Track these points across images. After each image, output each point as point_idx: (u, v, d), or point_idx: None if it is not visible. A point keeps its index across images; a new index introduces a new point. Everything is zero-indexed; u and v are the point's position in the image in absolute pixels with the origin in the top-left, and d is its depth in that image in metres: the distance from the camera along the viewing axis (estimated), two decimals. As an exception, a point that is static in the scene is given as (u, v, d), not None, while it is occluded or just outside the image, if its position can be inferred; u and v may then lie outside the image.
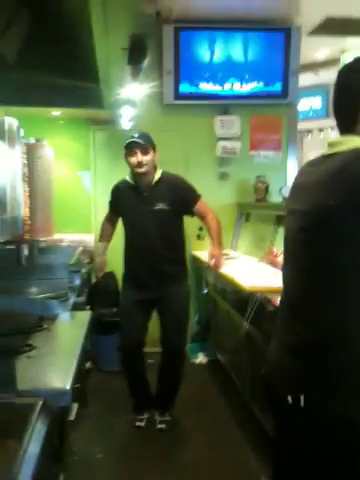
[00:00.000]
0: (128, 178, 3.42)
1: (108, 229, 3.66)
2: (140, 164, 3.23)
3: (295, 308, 1.45)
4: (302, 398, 1.33)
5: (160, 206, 3.28)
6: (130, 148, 3.24)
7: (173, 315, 3.37)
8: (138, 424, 3.44)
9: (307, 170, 1.50)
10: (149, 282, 3.35)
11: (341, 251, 1.29)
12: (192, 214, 3.42)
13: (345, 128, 1.41)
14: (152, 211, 3.28)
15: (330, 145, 1.41)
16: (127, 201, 3.43)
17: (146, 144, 3.24)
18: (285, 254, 1.57)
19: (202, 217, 3.43)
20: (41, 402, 1.30)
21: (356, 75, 1.39)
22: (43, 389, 1.35)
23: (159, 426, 3.42)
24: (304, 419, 1.35)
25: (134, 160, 3.24)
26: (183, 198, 3.33)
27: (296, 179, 1.57)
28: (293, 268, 1.48)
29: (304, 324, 1.39)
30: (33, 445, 1.16)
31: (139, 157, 3.22)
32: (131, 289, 3.43)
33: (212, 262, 3.47)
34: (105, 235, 3.67)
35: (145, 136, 3.28)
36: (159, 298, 3.35)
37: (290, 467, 1.48)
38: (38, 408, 1.27)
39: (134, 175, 3.34)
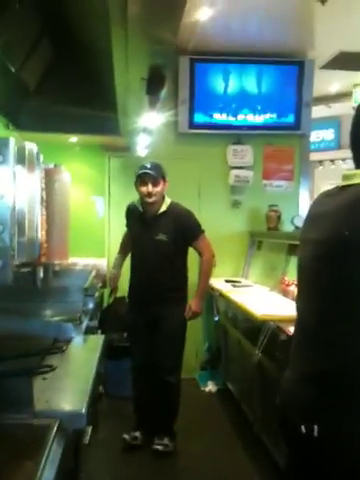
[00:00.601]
0: (137, 204, 3.52)
1: (125, 244, 3.76)
2: (150, 194, 3.34)
3: (309, 336, 1.44)
4: (316, 428, 1.32)
5: (160, 236, 3.37)
6: (141, 178, 3.35)
7: (166, 335, 3.40)
8: (124, 436, 3.43)
9: (322, 201, 1.52)
10: (148, 305, 3.44)
11: (356, 280, 1.29)
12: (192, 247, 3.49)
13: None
14: (153, 240, 3.37)
15: (345, 177, 1.43)
16: (134, 225, 3.59)
17: (157, 176, 3.34)
18: (299, 282, 1.58)
19: (199, 254, 3.50)
20: (57, 424, 1.30)
21: None
22: (59, 411, 1.35)
23: (155, 447, 3.38)
24: (318, 450, 1.34)
25: (144, 190, 3.34)
26: (184, 233, 3.41)
27: (311, 209, 1.58)
28: (307, 296, 1.49)
29: (318, 352, 1.39)
30: (49, 467, 1.16)
31: (149, 188, 3.32)
32: (134, 311, 3.54)
33: (187, 315, 3.46)
34: (122, 248, 3.78)
35: (157, 167, 3.38)
36: (156, 319, 3.41)
37: None
38: (54, 429, 1.27)
39: (142, 203, 3.44)
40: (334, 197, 1.43)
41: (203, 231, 3.48)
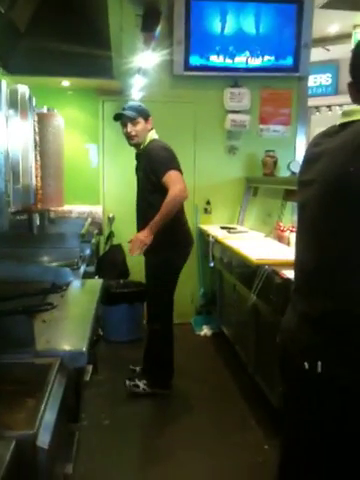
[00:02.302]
0: None
1: None
2: (129, 135, 3.30)
3: (309, 277, 1.44)
4: (319, 364, 1.34)
5: (139, 174, 3.38)
6: (119, 120, 3.31)
7: (146, 284, 3.44)
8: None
9: (320, 141, 1.47)
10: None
11: (357, 219, 1.26)
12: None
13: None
14: (138, 179, 3.41)
15: (344, 114, 1.38)
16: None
17: (134, 115, 3.26)
18: (298, 225, 1.55)
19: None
20: (58, 362, 1.32)
21: None
22: (60, 350, 1.38)
23: (127, 383, 3.45)
24: (320, 386, 1.37)
25: (124, 131, 3.32)
26: (152, 170, 3.23)
27: (308, 150, 1.53)
28: (306, 238, 1.47)
29: (318, 293, 1.39)
30: (51, 404, 1.19)
31: (129, 128, 3.28)
32: None
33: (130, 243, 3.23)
34: None
35: (133, 107, 3.32)
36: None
37: (301, 435, 1.50)
38: (56, 368, 1.30)
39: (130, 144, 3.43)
40: (334, 136, 1.39)
41: (173, 167, 3.18)
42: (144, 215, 3.30)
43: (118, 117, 3.31)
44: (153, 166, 3.22)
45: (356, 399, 1.32)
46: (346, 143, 1.31)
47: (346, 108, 1.41)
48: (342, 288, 1.33)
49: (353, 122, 1.33)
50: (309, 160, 1.49)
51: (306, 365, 1.37)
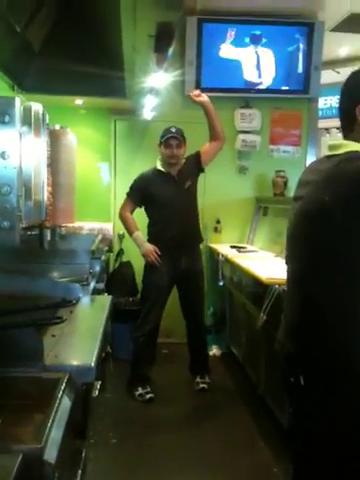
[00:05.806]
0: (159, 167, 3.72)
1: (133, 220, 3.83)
2: (176, 156, 3.65)
3: (287, 293, 1.61)
4: (302, 378, 1.45)
5: (187, 184, 3.72)
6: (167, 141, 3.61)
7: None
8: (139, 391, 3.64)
9: (311, 168, 1.65)
10: (180, 259, 3.78)
11: (333, 241, 1.42)
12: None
13: (345, 130, 1.56)
14: (183, 190, 3.72)
15: (331, 148, 1.55)
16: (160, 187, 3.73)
17: (182, 139, 3.65)
18: (286, 244, 1.68)
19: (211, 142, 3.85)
20: (67, 377, 1.31)
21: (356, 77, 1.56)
22: (69, 365, 1.37)
23: (201, 385, 3.78)
24: (308, 399, 1.46)
25: (171, 152, 3.63)
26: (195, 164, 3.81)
27: (301, 175, 1.69)
28: (291, 253, 1.62)
29: (296, 305, 1.53)
30: (59, 418, 1.17)
31: (175, 151, 3.62)
32: (161, 270, 3.71)
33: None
34: (135, 225, 3.79)
35: (180, 132, 3.67)
36: (188, 272, 3.84)
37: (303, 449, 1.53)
38: (64, 383, 1.29)
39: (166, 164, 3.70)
40: (320, 165, 1.56)
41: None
42: (194, 223, 3.86)
43: (173, 138, 3.60)
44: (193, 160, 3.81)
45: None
46: (323, 175, 1.49)
47: (332, 141, 1.60)
48: (308, 298, 1.47)
49: (336, 156, 1.49)
50: (302, 182, 1.66)
51: (291, 379, 1.49)
